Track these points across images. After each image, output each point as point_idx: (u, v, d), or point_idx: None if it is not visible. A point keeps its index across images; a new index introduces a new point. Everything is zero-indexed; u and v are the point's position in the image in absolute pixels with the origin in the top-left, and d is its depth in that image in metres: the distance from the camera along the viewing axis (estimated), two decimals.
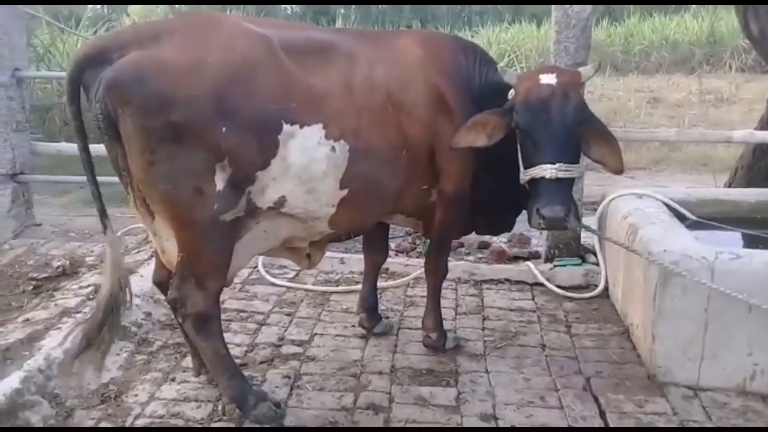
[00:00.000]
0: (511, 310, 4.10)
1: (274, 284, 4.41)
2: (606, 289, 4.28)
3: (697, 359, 3.17)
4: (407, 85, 3.02)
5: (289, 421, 2.90)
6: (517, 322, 3.92)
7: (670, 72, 15.35)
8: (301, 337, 3.69)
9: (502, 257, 4.78)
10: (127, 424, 2.86)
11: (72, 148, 5.20)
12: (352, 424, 2.91)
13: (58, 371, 2.98)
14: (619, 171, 3.02)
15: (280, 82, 2.67)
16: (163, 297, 3.44)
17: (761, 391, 3.13)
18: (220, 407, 2.94)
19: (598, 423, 2.94)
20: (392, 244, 4.57)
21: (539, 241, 4.93)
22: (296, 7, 20.90)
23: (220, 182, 2.59)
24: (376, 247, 3.71)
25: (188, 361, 3.28)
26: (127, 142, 2.54)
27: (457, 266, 4.48)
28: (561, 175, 2.83)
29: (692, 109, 11.47)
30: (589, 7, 4.30)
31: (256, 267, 4.54)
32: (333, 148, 2.78)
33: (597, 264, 4.48)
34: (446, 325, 3.62)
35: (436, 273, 3.49)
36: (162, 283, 3.03)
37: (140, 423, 2.87)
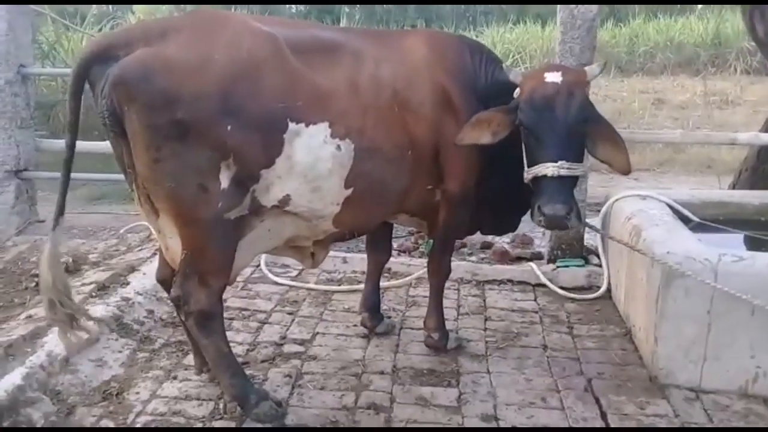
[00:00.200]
0: (513, 310, 4.09)
1: (276, 283, 4.41)
2: (608, 290, 4.27)
3: (699, 361, 3.16)
4: (413, 84, 3.02)
5: (290, 420, 2.90)
6: (519, 323, 3.91)
7: (675, 73, 15.32)
8: (302, 336, 3.69)
9: (504, 258, 4.78)
10: (129, 422, 2.86)
11: (78, 145, 5.25)
12: (353, 424, 2.90)
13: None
14: (626, 171, 3.01)
15: (286, 81, 2.67)
16: (165, 295, 3.46)
17: (763, 393, 3.12)
18: (221, 405, 2.94)
19: (599, 424, 2.94)
20: (395, 244, 4.57)
21: (542, 241, 4.93)
22: (301, 6, 20.90)
23: (224, 180, 2.59)
24: (380, 247, 3.71)
25: (190, 359, 3.29)
26: (132, 139, 2.55)
27: (459, 266, 4.48)
28: (563, 173, 2.83)
29: (697, 111, 11.46)
30: (594, 8, 4.29)
31: (258, 265, 4.54)
32: (338, 147, 2.78)
33: (600, 265, 4.47)
34: (448, 325, 3.62)
35: (439, 273, 3.49)
36: (165, 280, 3.04)
37: (141, 420, 2.87)
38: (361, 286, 3.93)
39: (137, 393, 3.08)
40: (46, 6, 7.49)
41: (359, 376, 3.28)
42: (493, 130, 2.98)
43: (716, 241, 3.60)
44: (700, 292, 3.07)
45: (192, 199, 2.58)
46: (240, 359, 3.23)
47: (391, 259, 3.90)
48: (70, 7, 14.75)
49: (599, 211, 4.40)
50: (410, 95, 3.00)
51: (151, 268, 3.93)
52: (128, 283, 3.94)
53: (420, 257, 4.84)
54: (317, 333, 3.74)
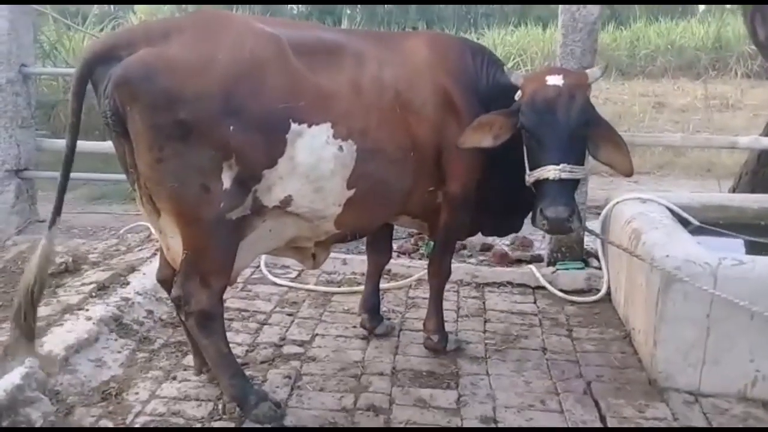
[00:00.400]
0: (513, 313, 4.09)
1: (276, 284, 4.41)
2: (608, 293, 4.27)
3: (698, 365, 3.16)
4: (415, 85, 3.03)
5: (289, 422, 2.90)
6: (519, 326, 3.91)
7: (676, 77, 15.34)
8: (302, 338, 3.69)
9: (504, 260, 4.79)
10: (128, 422, 2.86)
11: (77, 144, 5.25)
12: (352, 425, 2.90)
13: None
14: (628, 173, 3.01)
15: (289, 81, 2.68)
16: (165, 295, 3.46)
17: (762, 397, 3.12)
18: (220, 406, 2.94)
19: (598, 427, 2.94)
20: (394, 246, 4.57)
21: (542, 244, 4.93)
22: (302, 7, 20.93)
23: (226, 180, 2.59)
24: (380, 248, 3.71)
25: (189, 360, 3.28)
26: (134, 139, 2.55)
27: (459, 268, 4.48)
28: (565, 176, 2.83)
29: (697, 114, 11.46)
30: (596, 11, 4.29)
31: (258, 266, 4.54)
32: (341, 148, 2.78)
33: (599, 268, 4.47)
34: (447, 327, 3.62)
35: (439, 275, 3.49)
36: (165, 280, 3.04)
37: (140, 421, 2.87)
38: (361, 287, 3.93)
39: (136, 393, 3.07)
40: (47, 6, 7.48)
41: (358, 378, 3.28)
42: (494, 134, 2.98)
43: (716, 244, 3.60)
44: (699, 296, 3.07)
45: (194, 199, 2.59)
46: (239, 360, 3.23)
47: (391, 260, 3.90)
48: (72, 7, 14.78)
49: (599, 214, 4.41)
50: (412, 97, 3.01)
51: (151, 268, 3.93)
52: (128, 283, 3.94)
53: (420, 259, 4.84)
54: (317, 334, 3.74)
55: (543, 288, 4.41)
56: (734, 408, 3.07)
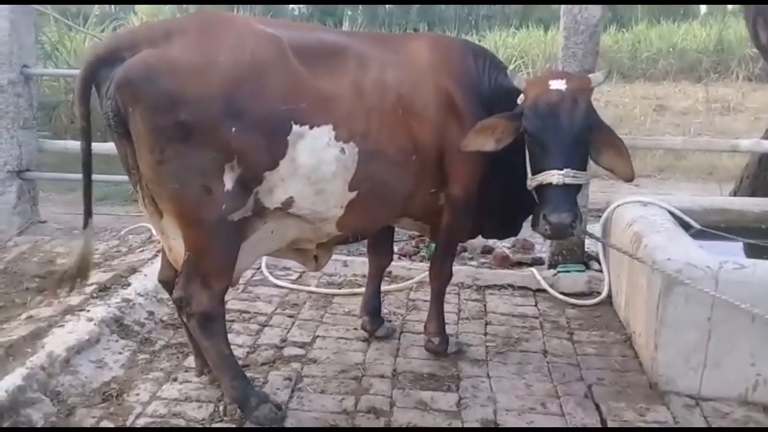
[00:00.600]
0: (514, 315, 4.09)
1: (277, 286, 4.41)
2: (609, 296, 4.27)
3: (699, 368, 3.16)
4: (417, 88, 3.03)
5: (289, 423, 2.90)
6: (520, 328, 3.91)
7: (677, 79, 15.35)
8: (303, 339, 3.69)
9: (505, 263, 4.79)
10: (128, 424, 2.86)
11: (77, 145, 5.18)
12: (352, 427, 2.90)
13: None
14: (629, 178, 3.01)
15: (290, 83, 2.68)
16: (166, 296, 3.46)
17: (763, 401, 3.11)
18: (221, 408, 2.94)
19: None
20: (395, 248, 4.58)
21: (543, 247, 4.93)
22: (303, 8, 20.95)
23: (228, 182, 2.60)
24: (381, 250, 3.71)
25: (190, 361, 3.29)
26: (136, 141, 2.56)
27: (460, 271, 4.48)
28: (568, 181, 2.83)
29: (698, 117, 11.47)
30: (597, 14, 4.30)
31: (259, 268, 4.54)
32: (342, 150, 2.79)
33: (600, 271, 4.47)
34: (448, 329, 3.62)
35: (440, 277, 3.49)
36: (167, 281, 3.04)
37: (141, 422, 2.87)
38: (362, 289, 3.93)
39: (137, 394, 3.08)
40: (48, 6, 7.48)
41: (359, 380, 3.28)
42: (497, 137, 2.98)
43: (717, 248, 3.60)
44: (700, 299, 3.07)
45: (195, 200, 2.59)
46: (240, 362, 3.23)
47: (392, 262, 3.90)
48: (73, 8, 14.79)
49: (600, 216, 4.41)
50: (414, 99, 3.01)
51: (152, 269, 3.94)
52: (129, 285, 3.94)
53: (420, 261, 4.84)
54: (317, 336, 3.74)
55: (544, 291, 4.41)
56: (735, 412, 3.07)
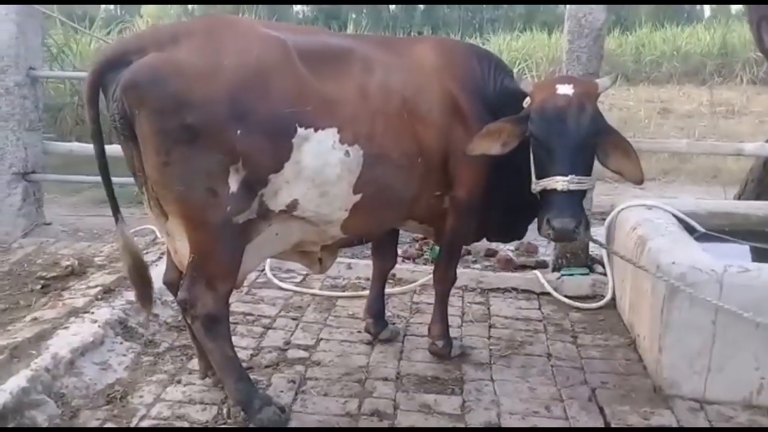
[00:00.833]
0: (518, 319, 4.09)
1: (281, 288, 4.41)
2: (613, 299, 4.26)
3: (703, 372, 3.15)
4: (422, 91, 3.03)
5: (293, 426, 2.90)
6: (524, 331, 3.91)
7: (681, 83, 15.35)
8: (307, 342, 3.69)
9: (509, 266, 4.78)
10: (132, 426, 2.86)
11: (83, 148, 5.27)
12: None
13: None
14: (638, 181, 3.00)
15: (295, 86, 2.69)
16: (170, 298, 3.46)
17: None
18: (224, 410, 2.94)
19: None
20: (399, 251, 4.57)
21: (547, 250, 4.93)
22: (308, 11, 21.00)
23: (233, 184, 2.60)
24: (385, 253, 3.71)
25: (194, 364, 3.29)
26: (142, 143, 2.57)
27: (463, 274, 4.47)
28: (573, 187, 2.83)
29: (702, 121, 11.45)
30: (601, 17, 4.30)
31: (263, 270, 4.55)
32: (347, 153, 2.79)
33: (604, 274, 4.46)
34: (452, 332, 3.62)
35: (445, 281, 3.49)
36: (172, 283, 3.04)
37: (145, 424, 2.87)
38: (366, 292, 3.93)
39: (141, 397, 3.08)
40: (54, 9, 7.51)
41: (363, 383, 3.28)
42: (503, 141, 2.98)
43: (722, 251, 3.59)
44: (704, 303, 3.07)
45: (201, 202, 2.60)
46: (244, 364, 3.23)
47: (396, 265, 3.90)
48: (79, 10, 14.86)
49: (604, 220, 4.41)
50: (419, 102, 3.01)
51: (157, 271, 3.93)
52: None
53: (424, 264, 4.84)
54: (321, 339, 3.74)
55: (548, 294, 4.41)
56: (739, 416, 3.06)
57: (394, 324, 3.86)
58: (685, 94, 14.05)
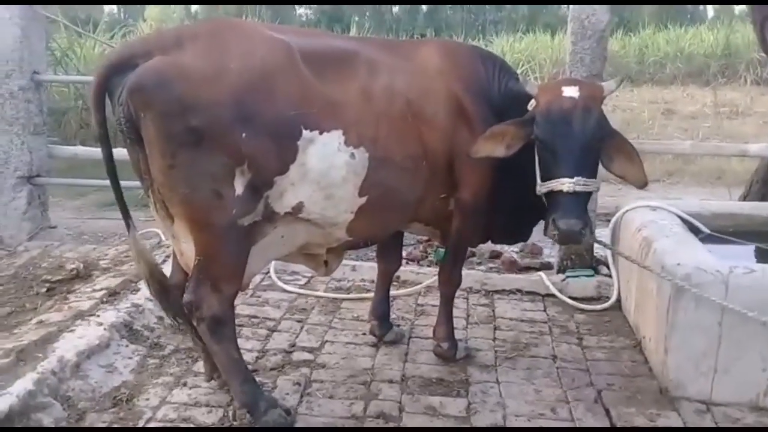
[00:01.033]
0: (523, 320, 4.09)
1: (285, 290, 4.41)
2: (618, 301, 4.26)
3: (710, 373, 3.14)
4: (427, 93, 3.03)
5: (298, 428, 2.90)
6: (529, 333, 3.90)
7: (685, 84, 15.34)
8: (311, 344, 3.69)
9: (513, 267, 4.78)
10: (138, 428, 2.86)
11: (87, 151, 5.29)
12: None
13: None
14: (641, 185, 3.01)
15: (300, 89, 2.69)
16: None
17: None
18: (230, 412, 2.94)
19: None
20: (404, 252, 4.57)
21: (551, 251, 4.92)
22: (310, 14, 21.04)
23: (239, 186, 2.61)
24: (390, 255, 3.71)
25: (200, 366, 3.29)
26: (148, 146, 2.58)
27: (468, 276, 4.47)
28: (579, 189, 2.83)
29: (706, 122, 11.44)
30: (605, 18, 4.30)
31: (268, 273, 4.55)
32: (352, 155, 2.80)
33: (609, 276, 4.46)
34: (457, 334, 3.61)
35: (449, 283, 3.49)
36: (178, 285, 3.04)
37: (151, 427, 2.88)
38: (371, 294, 3.93)
39: (147, 399, 3.08)
40: (58, 13, 7.53)
41: (368, 385, 3.28)
42: (507, 143, 2.98)
43: (727, 252, 3.59)
44: (710, 304, 3.06)
45: (206, 204, 2.61)
46: (249, 366, 3.23)
47: (400, 267, 3.90)
48: (82, 14, 14.92)
49: (609, 221, 4.40)
50: (424, 104, 3.01)
51: None
52: (139, 290, 3.95)
53: (429, 266, 4.84)
54: (326, 341, 3.74)
55: (553, 295, 4.40)
56: (746, 417, 3.05)
57: (398, 326, 3.86)
58: (688, 95, 14.04)
